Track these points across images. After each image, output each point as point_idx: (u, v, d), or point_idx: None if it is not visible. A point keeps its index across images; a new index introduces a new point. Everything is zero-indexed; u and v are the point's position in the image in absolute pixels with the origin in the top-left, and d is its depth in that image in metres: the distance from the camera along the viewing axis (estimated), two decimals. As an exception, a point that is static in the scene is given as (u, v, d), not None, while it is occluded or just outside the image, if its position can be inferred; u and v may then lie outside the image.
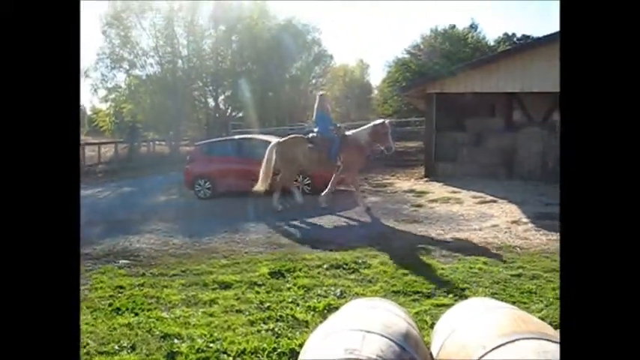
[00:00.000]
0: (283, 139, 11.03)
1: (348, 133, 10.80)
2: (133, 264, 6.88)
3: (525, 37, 36.07)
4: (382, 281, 5.63)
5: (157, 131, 34.27)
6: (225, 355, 3.92)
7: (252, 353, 3.91)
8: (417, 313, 4.53)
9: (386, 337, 2.40)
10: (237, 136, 15.86)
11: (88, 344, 4.19)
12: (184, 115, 32.66)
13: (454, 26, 37.28)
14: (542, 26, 68.62)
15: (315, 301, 5.00)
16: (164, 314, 4.84)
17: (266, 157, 10.61)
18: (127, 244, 8.04)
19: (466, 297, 4.70)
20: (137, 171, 22.51)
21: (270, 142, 13.53)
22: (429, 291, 5.26)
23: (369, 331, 2.43)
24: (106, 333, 4.45)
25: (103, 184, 18.81)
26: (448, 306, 4.07)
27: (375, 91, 44.81)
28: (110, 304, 5.17)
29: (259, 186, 10.65)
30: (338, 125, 11.14)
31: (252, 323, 4.51)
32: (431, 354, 2.71)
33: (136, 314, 4.87)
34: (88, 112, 44.04)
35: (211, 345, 4.06)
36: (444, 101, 15.69)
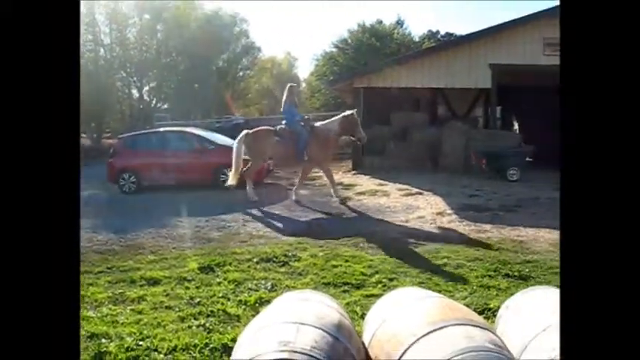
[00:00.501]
0: (252, 130, 10.87)
1: (316, 124, 10.80)
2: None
3: (449, 34, 37.17)
4: (312, 273, 5.69)
5: (78, 123, 32.85)
6: (155, 353, 3.85)
7: (183, 350, 3.86)
8: (347, 304, 4.61)
9: (319, 329, 2.45)
10: (162, 129, 15.48)
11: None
12: (107, 107, 31.45)
13: (381, 22, 37.86)
14: (463, 24, 70.91)
15: (246, 295, 4.99)
16: (90, 313, 4.68)
17: (235, 149, 10.44)
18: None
19: (395, 287, 4.82)
20: (56, 164, 21.52)
21: (196, 135, 13.39)
22: (358, 282, 5.36)
23: (302, 323, 2.46)
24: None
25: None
26: (378, 296, 4.18)
27: (303, 84, 44.88)
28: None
29: (231, 180, 10.52)
30: (306, 117, 11.09)
31: (182, 319, 4.45)
32: (363, 343, 2.77)
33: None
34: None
35: (141, 343, 3.97)
36: (371, 95, 15.96)
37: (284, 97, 10.88)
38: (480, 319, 2.71)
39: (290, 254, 6.38)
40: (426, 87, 16.14)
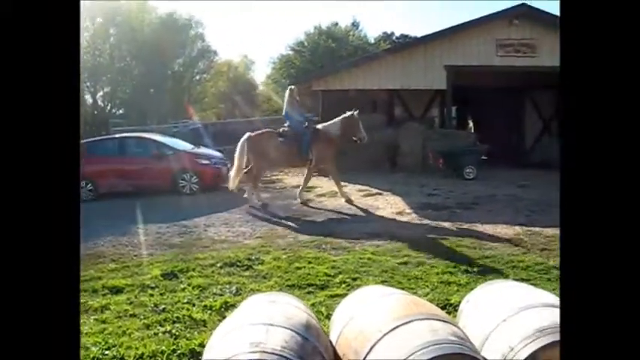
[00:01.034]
0: (254, 133, 10.80)
1: (319, 126, 10.83)
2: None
3: (404, 36, 37.72)
4: (276, 276, 5.72)
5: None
6: (122, 361, 3.83)
7: (150, 357, 3.84)
8: (312, 304, 4.66)
9: (288, 329, 2.50)
10: (118, 135, 15.25)
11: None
12: (59, 113, 30.68)
13: (337, 24, 38.11)
14: (417, 26, 71.98)
15: (212, 300, 4.99)
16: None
17: (237, 152, 10.40)
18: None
19: (358, 286, 4.91)
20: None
21: (153, 140, 13.23)
22: (322, 283, 5.43)
23: (271, 324, 2.51)
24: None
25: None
26: (342, 296, 4.26)
27: (260, 88, 44.76)
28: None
29: (232, 184, 10.51)
30: (309, 118, 11.06)
31: (147, 327, 4.43)
32: (330, 342, 2.84)
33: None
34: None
35: (107, 352, 3.93)
36: (329, 98, 16.08)
37: (285, 100, 10.89)
38: (442, 313, 2.81)
39: (253, 258, 6.40)
40: (383, 88, 16.37)
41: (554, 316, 2.60)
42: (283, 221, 8.81)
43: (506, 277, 5.41)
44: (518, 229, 7.90)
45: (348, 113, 10.82)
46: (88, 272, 6.19)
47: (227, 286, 5.40)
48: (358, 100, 16.61)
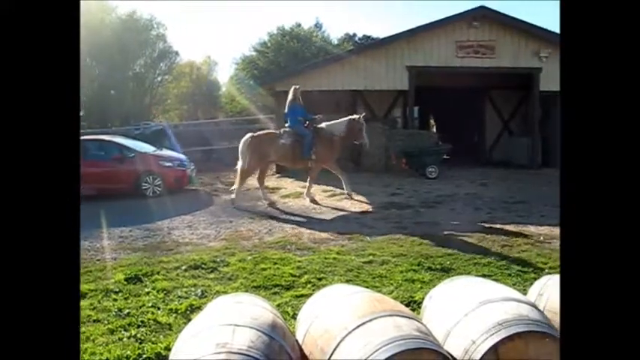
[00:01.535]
0: (256, 134, 10.76)
1: (321, 126, 10.74)
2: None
3: (366, 37, 38.00)
4: (242, 278, 5.72)
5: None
6: (86, 367, 3.77)
7: (115, 362, 3.80)
8: (278, 305, 4.68)
9: (255, 329, 2.52)
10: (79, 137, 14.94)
11: None
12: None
13: (300, 25, 38.13)
14: (380, 27, 72.56)
15: (177, 303, 4.96)
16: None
17: (240, 153, 10.43)
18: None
19: (324, 286, 4.94)
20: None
21: (115, 143, 13.03)
22: (288, 283, 5.45)
23: (237, 325, 2.53)
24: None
25: None
26: (308, 296, 4.28)
27: (223, 89, 44.45)
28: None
29: (237, 184, 10.53)
30: (313, 118, 10.97)
31: (112, 332, 4.37)
32: (297, 341, 2.86)
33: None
34: None
35: (70, 358, 3.88)
36: (293, 99, 16.07)
37: (288, 99, 10.84)
38: (406, 310, 2.87)
39: (218, 260, 6.38)
40: (346, 89, 16.48)
41: (513, 310, 2.69)
42: (248, 223, 8.79)
43: (468, 273, 5.52)
44: (479, 226, 8.07)
45: (355, 116, 10.80)
46: (48, 278, 6.07)
47: (192, 289, 5.37)
48: (322, 101, 16.72)
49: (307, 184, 10.89)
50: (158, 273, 5.94)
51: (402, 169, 14.09)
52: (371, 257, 6.34)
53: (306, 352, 2.76)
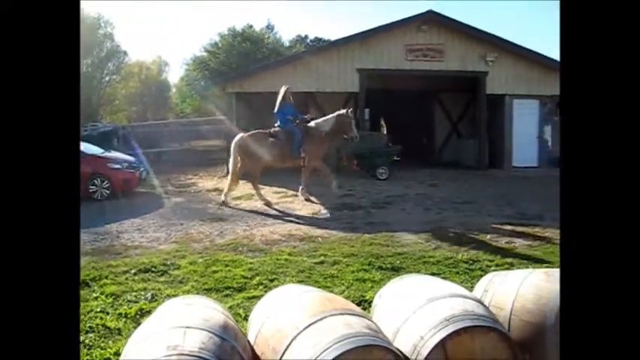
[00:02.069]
0: (246, 134, 10.70)
1: (310, 124, 10.75)
2: None
3: (318, 39, 38.16)
4: (193, 280, 5.66)
5: None
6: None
7: (61, 368, 3.71)
8: (230, 307, 4.66)
9: (206, 331, 2.51)
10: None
11: None
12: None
13: (251, 26, 37.92)
14: (331, 29, 73.00)
15: (126, 307, 4.87)
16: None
17: (232, 155, 10.44)
18: None
19: (275, 287, 4.95)
20: None
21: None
22: (239, 285, 5.43)
23: (188, 327, 2.51)
24: None
25: None
26: (260, 298, 4.27)
27: (174, 89, 43.78)
28: None
29: (228, 186, 10.52)
30: (303, 117, 10.98)
31: (58, 337, 4.26)
32: (249, 341, 2.87)
33: None
34: None
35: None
36: (244, 100, 16.05)
37: (278, 99, 10.83)
38: (357, 308, 2.92)
39: (169, 263, 6.29)
40: (298, 91, 16.50)
41: (460, 306, 2.77)
42: (199, 225, 8.70)
43: (418, 272, 5.63)
44: (428, 226, 8.23)
45: (342, 111, 10.89)
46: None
47: (142, 293, 5.28)
48: (273, 103, 16.70)
49: (302, 183, 10.95)
50: (106, 277, 5.81)
51: (353, 170, 14.22)
52: (322, 258, 6.39)
53: (258, 353, 2.76)
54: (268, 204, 10.45)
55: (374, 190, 11.92)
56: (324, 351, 2.34)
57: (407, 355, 2.63)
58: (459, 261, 6.23)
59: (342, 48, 16.34)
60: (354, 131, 10.77)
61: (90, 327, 4.43)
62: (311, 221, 8.82)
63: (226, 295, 5.17)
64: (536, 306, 3.16)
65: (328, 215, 9.24)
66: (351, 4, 65.76)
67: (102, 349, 4.00)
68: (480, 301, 3.01)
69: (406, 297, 3.06)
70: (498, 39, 16.65)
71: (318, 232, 7.97)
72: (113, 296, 5.20)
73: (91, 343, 4.12)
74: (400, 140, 15.57)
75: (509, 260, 6.27)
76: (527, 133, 17.26)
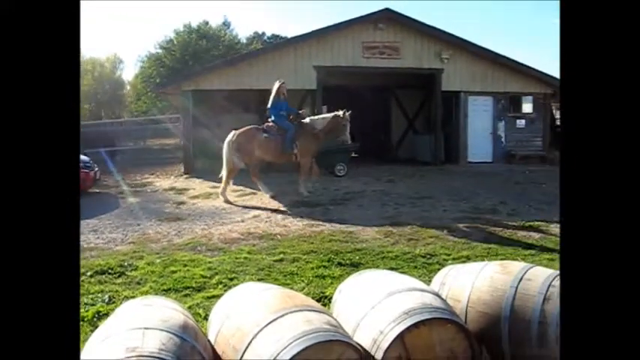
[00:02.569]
0: (239, 130, 10.57)
1: (305, 120, 10.64)
2: None
3: (275, 36, 38.06)
4: (151, 281, 5.58)
5: None
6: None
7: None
8: (190, 307, 4.62)
9: (165, 331, 2.49)
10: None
11: None
12: None
13: (207, 22, 37.54)
14: (288, 26, 72.90)
15: (83, 310, 4.75)
16: None
17: (225, 151, 10.33)
18: None
19: (235, 286, 4.93)
20: None
21: None
22: (199, 285, 5.39)
23: (147, 328, 2.49)
24: None
25: None
26: (219, 297, 4.25)
27: (128, 87, 42.96)
28: None
29: (224, 183, 10.49)
30: (297, 112, 10.85)
31: (10, 343, 4.14)
32: (209, 341, 2.86)
33: None
34: None
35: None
36: (201, 98, 15.88)
37: (272, 94, 10.69)
38: (316, 304, 2.94)
39: (126, 264, 6.18)
40: (255, 89, 16.45)
41: (418, 299, 2.83)
42: (156, 225, 8.57)
43: (377, 267, 5.70)
44: (386, 221, 8.33)
45: (339, 112, 10.79)
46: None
47: (99, 295, 5.18)
48: (230, 101, 16.61)
49: (300, 179, 10.94)
50: (61, 280, 5.68)
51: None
52: (282, 255, 6.39)
53: (219, 352, 2.76)
54: (274, 197, 10.55)
55: (332, 186, 11.98)
56: (285, 348, 2.36)
57: (367, 349, 2.67)
58: (417, 255, 6.33)
59: (299, 45, 16.34)
60: (347, 135, 10.79)
61: (44, 331, 4.32)
62: (270, 219, 8.80)
63: (186, 295, 5.12)
64: (492, 297, 3.25)
65: (287, 213, 9.24)
66: (309, 2, 65.79)
67: (57, 353, 3.90)
68: (437, 294, 3.08)
69: (365, 292, 3.10)
70: (453, 37, 16.95)
71: (277, 229, 7.97)
72: (68, 299, 5.08)
73: (45, 348, 4.02)
74: (358, 137, 15.68)
75: (465, 254, 6.41)
76: (482, 129, 17.64)
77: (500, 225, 8.10)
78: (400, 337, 2.63)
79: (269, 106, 10.87)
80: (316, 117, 11.11)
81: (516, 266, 3.45)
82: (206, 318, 4.05)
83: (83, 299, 5.06)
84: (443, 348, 2.74)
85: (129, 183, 14.15)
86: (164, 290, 5.25)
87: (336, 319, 2.76)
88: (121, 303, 4.61)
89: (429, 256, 6.31)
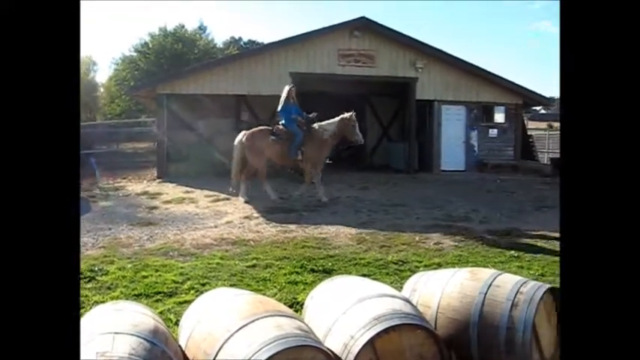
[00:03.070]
0: (249, 131, 10.65)
1: (314, 126, 10.58)
2: None
3: (251, 42, 38.04)
4: (122, 286, 5.52)
5: None
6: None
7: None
8: (161, 312, 4.59)
9: (135, 336, 2.48)
10: None
11: None
12: None
13: (183, 26, 37.33)
14: (265, 32, 72.91)
15: (50, 314, 4.70)
16: None
17: (235, 151, 10.44)
18: None
19: (207, 291, 4.91)
20: None
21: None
22: (170, 290, 5.35)
23: (117, 332, 2.48)
24: None
25: None
26: (191, 302, 4.24)
27: (102, 90, 42.41)
28: None
29: (233, 182, 10.61)
30: (308, 116, 10.74)
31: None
32: (180, 346, 2.85)
33: None
34: None
35: None
36: (175, 102, 15.80)
37: (282, 98, 10.65)
38: (288, 310, 2.96)
39: (96, 268, 6.10)
40: (230, 94, 16.43)
41: (388, 305, 2.86)
42: (128, 230, 8.48)
43: (349, 273, 5.73)
44: (359, 228, 8.38)
45: (346, 115, 10.79)
46: None
47: (67, 300, 5.11)
48: (205, 105, 16.53)
49: (314, 185, 10.93)
50: (29, 284, 5.59)
51: (286, 173, 14.25)
52: (255, 261, 6.38)
53: (190, 357, 2.75)
54: (275, 201, 10.58)
55: (306, 193, 11.99)
56: (256, 353, 2.37)
57: (338, 354, 2.70)
58: (389, 262, 6.38)
59: (275, 51, 16.37)
60: (359, 135, 10.78)
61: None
62: (243, 224, 8.78)
63: (157, 301, 5.07)
64: (461, 303, 3.31)
65: (261, 219, 9.22)
66: (286, 9, 65.95)
67: (24, 358, 3.84)
68: (407, 300, 3.12)
69: (337, 298, 3.13)
70: (428, 47, 17.16)
71: (251, 235, 7.95)
72: (36, 304, 5.00)
73: (12, 353, 3.95)
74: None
75: (436, 261, 6.48)
76: (455, 138, 17.86)
77: (471, 232, 8.20)
78: (371, 342, 2.66)
79: (279, 109, 10.87)
80: (324, 122, 11.05)
81: (485, 273, 3.51)
82: (177, 323, 4.02)
83: (52, 304, 4.99)
84: (413, 353, 2.78)
85: (101, 187, 13.98)
86: (135, 295, 5.20)
87: (307, 325, 2.78)
88: (90, 308, 4.55)
89: (401, 263, 6.36)
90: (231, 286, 5.24)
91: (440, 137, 17.70)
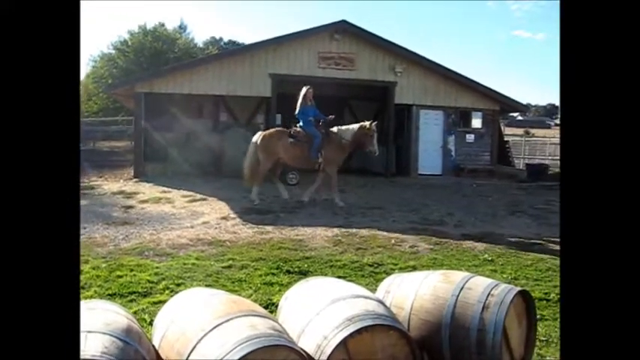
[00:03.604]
0: (266, 132, 10.55)
1: (333, 129, 10.46)
2: None
3: (232, 42, 37.93)
4: (96, 286, 5.48)
5: None
6: None
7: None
8: (135, 312, 4.57)
9: (108, 334, 2.48)
10: None
11: None
12: None
13: (163, 25, 37.04)
14: (245, 32, 72.71)
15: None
16: None
17: (249, 151, 10.31)
18: None
19: (182, 291, 4.90)
20: None
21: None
22: (145, 290, 5.32)
23: (90, 331, 2.47)
24: None
25: None
26: (166, 302, 4.23)
27: (80, 87, 41.88)
28: None
29: (246, 181, 10.57)
30: (326, 118, 10.62)
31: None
32: (153, 346, 2.84)
33: None
34: None
35: None
36: (154, 101, 15.67)
37: (299, 100, 10.53)
38: (262, 310, 2.97)
39: (70, 267, 6.05)
40: (209, 94, 16.36)
41: (361, 306, 2.90)
42: (103, 229, 8.40)
43: (325, 275, 5.75)
44: (336, 230, 8.42)
45: (366, 123, 10.59)
46: None
47: (39, 299, 5.05)
48: (184, 105, 16.46)
49: (332, 192, 10.85)
50: (0, 283, 5.51)
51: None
52: (230, 262, 6.38)
53: (163, 356, 2.75)
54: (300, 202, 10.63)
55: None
56: (229, 352, 2.38)
57: (311, 354, 2.72)
58: (365, 264, 6.42)
59: (255, 52, 16.36)
60: (375, 146, 10.52)
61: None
62: (220, 225, 8.75)
63: (131, 300, 5.05)
64: (434, 305, 3.35)
65: (237, 220, 9.21)
66: (267, 9, 65.85)
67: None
68: (381, 302, 3.15)
69: (311, 299, 3.15)
70: (407, 51, 17.30)
71: (227, 236, 7.94)
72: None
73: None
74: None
75: (411, 263, 6.54)
76: (432, 143, 18.02)
77: (447, 236, 8.29)
78: (343, 342, 2.68)
79: (296, 112, 10.77)
80: (344, 127, 10.95)
81: (458, 276, 3.57)
82: (151, 324, 4.01)
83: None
84: (385, 354, 2.81)
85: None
86: (109, 295, 5.17)
87: (281, 325, 2.80)
88: (63, 307, 4.51)
89: (376, 265, 6.41)
90: (206, 286, 5.23)
91: (418, 141, 17.83)
